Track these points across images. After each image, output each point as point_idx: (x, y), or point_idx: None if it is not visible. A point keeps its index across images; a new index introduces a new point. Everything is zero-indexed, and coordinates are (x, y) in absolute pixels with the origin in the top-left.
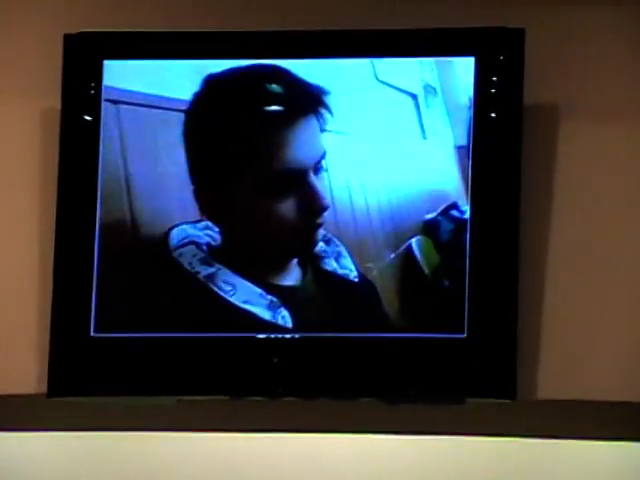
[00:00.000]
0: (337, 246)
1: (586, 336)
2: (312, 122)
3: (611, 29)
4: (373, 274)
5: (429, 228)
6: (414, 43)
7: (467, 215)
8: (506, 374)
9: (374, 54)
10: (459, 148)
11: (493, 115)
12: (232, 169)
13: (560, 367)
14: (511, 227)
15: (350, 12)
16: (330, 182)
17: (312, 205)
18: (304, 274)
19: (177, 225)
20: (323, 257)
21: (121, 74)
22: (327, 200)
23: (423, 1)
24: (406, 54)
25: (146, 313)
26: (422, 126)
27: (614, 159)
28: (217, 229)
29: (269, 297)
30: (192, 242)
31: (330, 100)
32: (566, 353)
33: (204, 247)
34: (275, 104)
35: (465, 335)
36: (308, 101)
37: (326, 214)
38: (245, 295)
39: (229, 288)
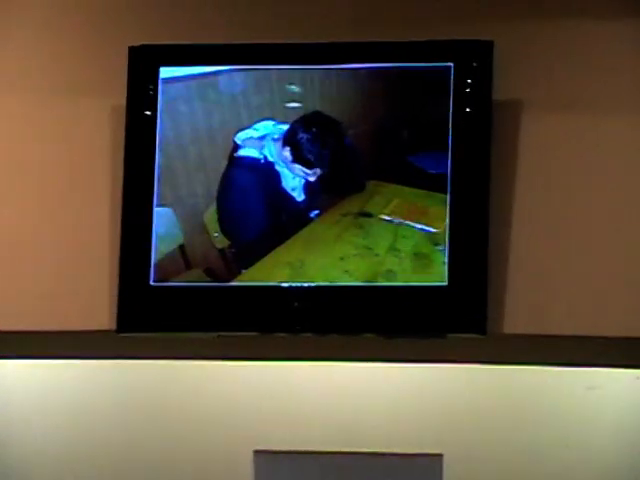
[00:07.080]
0: None
1: (542, 287)
2: None
3: (568, 38)
4: None
5: None
6: (404, 52)
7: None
8: (478, 315)
9: (368, 62)
10: None
11: (468, 110)
12: None
13: (521, 310)
14: (482, 197)
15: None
16: None
17: None
18: None
19: None
20: None
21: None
22: None
23: (411, 18)
24: (396, 61)
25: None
26: None
27: (565, 140)
28: None
29: None
30: None
31: None
32: (526, 300)
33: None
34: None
35: (446, 284)
36: None
37: None
38: None
39: None
